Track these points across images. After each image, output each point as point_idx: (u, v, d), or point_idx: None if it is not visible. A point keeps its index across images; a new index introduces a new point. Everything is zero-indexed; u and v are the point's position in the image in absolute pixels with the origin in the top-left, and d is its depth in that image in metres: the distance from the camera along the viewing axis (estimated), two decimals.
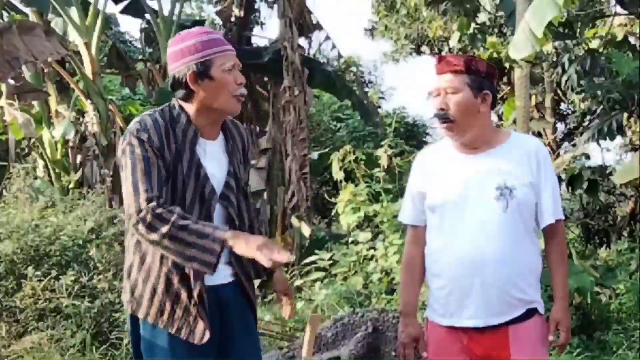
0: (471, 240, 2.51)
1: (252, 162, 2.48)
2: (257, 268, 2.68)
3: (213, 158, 2.51)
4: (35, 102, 9.94)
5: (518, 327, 2.53)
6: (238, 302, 2.55)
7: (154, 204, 2.30)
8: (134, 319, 2.50)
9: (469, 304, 2.54)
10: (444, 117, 2.55)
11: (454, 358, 2.57)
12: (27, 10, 10.16)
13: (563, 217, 2.65)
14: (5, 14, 10.10)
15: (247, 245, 2.26)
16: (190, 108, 2.46)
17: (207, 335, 2.40)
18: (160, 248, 2.33)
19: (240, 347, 2.54)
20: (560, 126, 11.94)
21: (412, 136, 16.21)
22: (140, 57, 12.61)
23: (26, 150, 10.33)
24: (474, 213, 2.53)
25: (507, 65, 8.43)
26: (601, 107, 8.22)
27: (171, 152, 2.40)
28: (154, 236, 2.29)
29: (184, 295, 2.42)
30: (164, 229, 2.28)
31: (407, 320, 2.71)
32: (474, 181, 2.56)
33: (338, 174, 7.10)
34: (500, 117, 9.26)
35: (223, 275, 2.49)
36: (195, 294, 2.41)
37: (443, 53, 14.24)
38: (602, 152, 9.52)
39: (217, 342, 2.48)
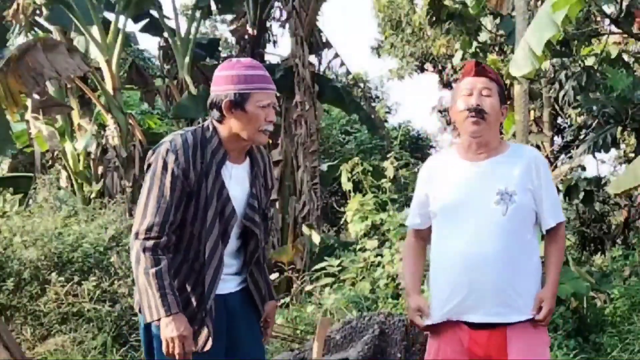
0: (471, 242, 2.56)
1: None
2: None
3: (237, 181, 2.55)
4: (59, 116, 10.04)
5: (515, 327, 2.57)
6: (245, 310, 2.62)
7: (148, 243, 2.40)
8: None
9: (469, 301, 2.59)
10: (479, 110, 2.61)
11: (455, 358, 2.62)
12: (51, 27, 10.26)
13: (564, 219, 2.73)
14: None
15: (170, 331, 2.38)
16: (223, 131, 2.52)
17: (209, 344, 2.46)
18: (136, 268, 2.43)
19: (247, 354, 2.60)
20: (558, 139, 11.92)
21: (417, 149, 16.07)
22: (158, 73, 12.60)
23: (50, 162, 10.31)
24: (474, 216, 2.58)
25: (507, 81, 8.64)
26: (596, 121, 8.28)
27: (197, 172, 2.45)
28: (138, 263, 2.42)
29: (193, 302, 2.48)
30: (143, 266, 2.39)
31: (411, 296, 2.78)
32: (476, 186, 2.62)
33: (347, 185, 7.12)
34: (500, 131, 9.37)
35: (232, 284, 2.58)
36: (206, 302, 2.47)
37: (447, 70, 14.36)
38: (598, 164, 9.59)
39: (224, 349, 2.54)
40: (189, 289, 2.48)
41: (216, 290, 2.50)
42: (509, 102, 8.63)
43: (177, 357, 2.41)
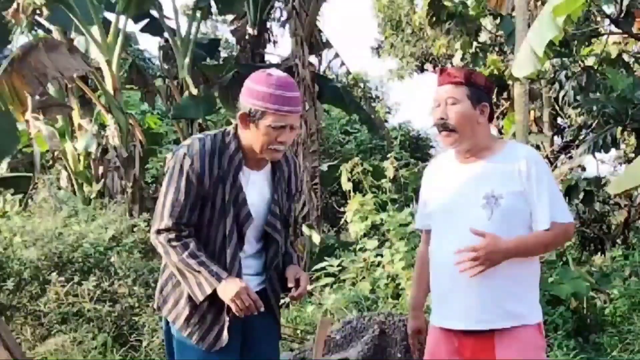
0: (456, 246, 2.49)
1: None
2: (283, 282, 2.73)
3: (255, 187, 2.57)
4: (59, 116, 9.94)
5: (504, 333, 2.51)
6: (263, 310, 2.59)
7: (171, 235, 2.48)
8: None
9: (454, 307, 2.56)
10: (444, 126, 2.59)
11: (447, 358, 2.60)
12: (51, 27, 10.20)
13: (562, 221, 2.52)
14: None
15: (224, 292, 2.43)
16: (242, 138, 2.56)
17: (225, 342, 2.50)
18: (168, 259, 2.52)
19: (262, 354, 2.63)
20: (558, 139, 11.94)
21: (417, 149, 16.06)
22: (158, 73, 12.49)
23: (50, 162, 10.34)
24: (461, 220, 2.53)
25: (509, 82, 8.68)
26: (596, 121, 8.33)
27: (212, 177, 2.49)
28: (168, 255, 2.51)
29: (215, 302, 2.49)
30: (175, 254, 2.48)
31: (413, 313, 2.83)
32: (464, 189, 2.57)
33: (347, 185, 7.18)
34: (500, 131, 9.38)
35: (252, 284, 2.57)
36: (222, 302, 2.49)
37: None
38: (597, 164, 9.59)
39: (239, 347, 2.56)
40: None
41: None
42: (508, 102, 8.78)
43: (250, 309, 2.44)
